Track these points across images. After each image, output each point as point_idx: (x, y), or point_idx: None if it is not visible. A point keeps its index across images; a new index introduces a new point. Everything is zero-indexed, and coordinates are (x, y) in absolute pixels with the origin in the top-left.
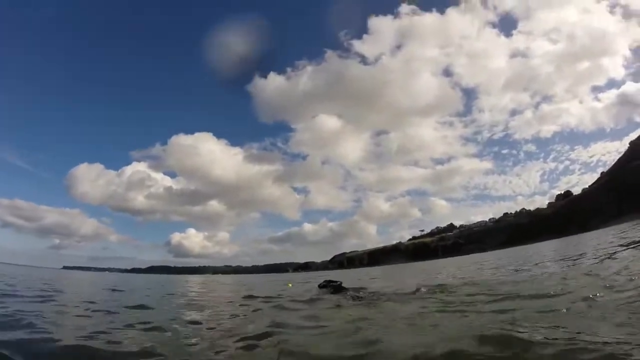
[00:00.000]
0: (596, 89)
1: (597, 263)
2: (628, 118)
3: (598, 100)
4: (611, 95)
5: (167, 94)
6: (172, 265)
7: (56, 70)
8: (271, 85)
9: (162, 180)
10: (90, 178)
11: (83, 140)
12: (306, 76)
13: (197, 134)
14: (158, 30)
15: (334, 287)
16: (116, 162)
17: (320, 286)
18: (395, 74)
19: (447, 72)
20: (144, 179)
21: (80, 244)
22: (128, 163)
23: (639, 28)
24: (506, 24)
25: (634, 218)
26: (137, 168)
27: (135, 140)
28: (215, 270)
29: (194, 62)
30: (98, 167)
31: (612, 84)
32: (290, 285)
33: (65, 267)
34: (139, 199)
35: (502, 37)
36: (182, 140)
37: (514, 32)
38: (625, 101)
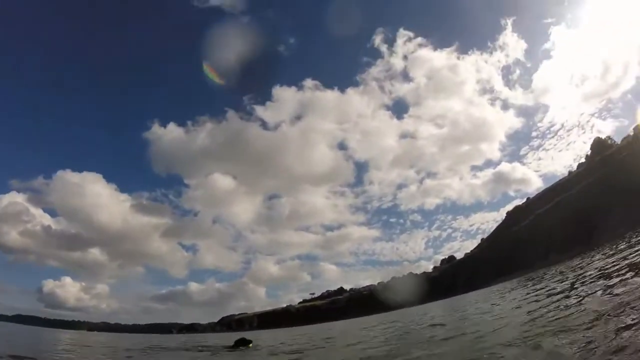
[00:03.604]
0: (475, 168)
1: None
2: (503, 192)
3: (477, 177)
4: (488, 173)
5: (59, 123)
6: (43, 316)
7: None
8: (169, 136)
9: (41, 217)
10: None
11: None
12: (205, 132)
13: (85, 173)
14: (58, 54)
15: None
16: None
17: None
18: (292, 142)
19: (342, 146)
20: (21, 212)
21: None
22: (6, 191)
23: (514, 118)
24: (399, 108)
25: (511, 278)
26: (15, 199)
27: (17, 168)
28: (91, 327)
29: (92, 97)
30: None
31: (489, 164)
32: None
33: None
34: (13, 235)
35: (395, 119)
36: (68, 176)
37: (405, 115)
38: (500, 179)
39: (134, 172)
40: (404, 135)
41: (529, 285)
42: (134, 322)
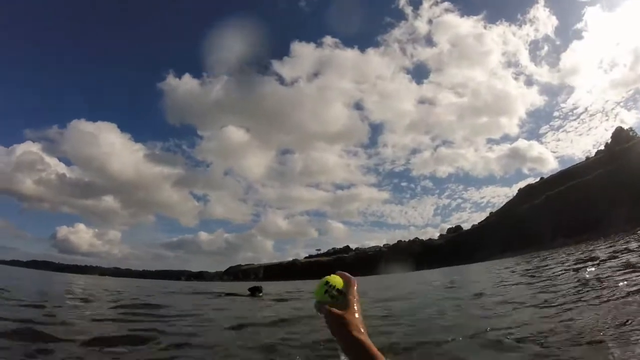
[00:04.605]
0: (492, 141)
1: None
2: (517, 169)
3: (492, 150)
4: (504, 148)
5: (75, 74)
6: (57, 261)
7: None
8: (184, 87)
9: (55, 166)
10: None
11: None
12: (220, 85)
13: (100, 123)
14: (75, 8)
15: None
16: (7, 137)
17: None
18: (309, 98)
19: (358, 106)
20: (35, 162)
21: None
22: (21, 141)
23: (537, 95)
24: (419, 73)
25: (513, 255)
26: (30, 148)
27: (32, 118)
28: (102, 272)
29: (107, 47)
30: None
31: (507, 138)
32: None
33: None
34: (28, 183)
35: (414, 84)
36: (82, 126)
37: (425, 81)
38: (516, 155)
39: (148, 122)
40: (422, 101)
41: (524, 265)
42: (144, 268)
